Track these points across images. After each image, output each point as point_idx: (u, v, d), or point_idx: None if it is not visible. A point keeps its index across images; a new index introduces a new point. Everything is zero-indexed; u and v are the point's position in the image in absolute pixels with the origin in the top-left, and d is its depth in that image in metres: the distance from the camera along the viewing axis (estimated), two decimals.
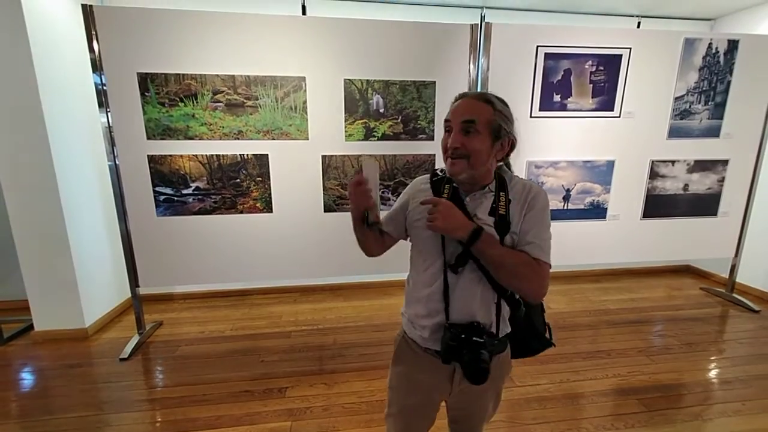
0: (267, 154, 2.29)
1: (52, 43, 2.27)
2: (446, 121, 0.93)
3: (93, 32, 2.02)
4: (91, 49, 2.05)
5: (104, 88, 2.09)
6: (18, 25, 2.08)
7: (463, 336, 0.89)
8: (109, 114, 2.12)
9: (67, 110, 2.38)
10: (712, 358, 2.29)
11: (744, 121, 2.73)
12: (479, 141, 0.88)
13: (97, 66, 2.07)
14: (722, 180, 2.81)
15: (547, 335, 1.04)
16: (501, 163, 0.98)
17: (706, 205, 2.84)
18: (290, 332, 2.60)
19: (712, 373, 2.14)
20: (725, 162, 2.78)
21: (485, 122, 0.88)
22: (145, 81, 2.11)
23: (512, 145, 0.94)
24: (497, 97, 0.92)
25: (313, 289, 3.30)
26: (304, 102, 2.26)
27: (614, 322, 2.73)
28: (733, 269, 3.04)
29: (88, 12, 2.00)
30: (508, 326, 0.99)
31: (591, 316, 2.84)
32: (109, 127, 2.14)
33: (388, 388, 1.09)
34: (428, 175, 1.03)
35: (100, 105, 2.11)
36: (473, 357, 0.87)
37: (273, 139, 2.28)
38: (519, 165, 2.53)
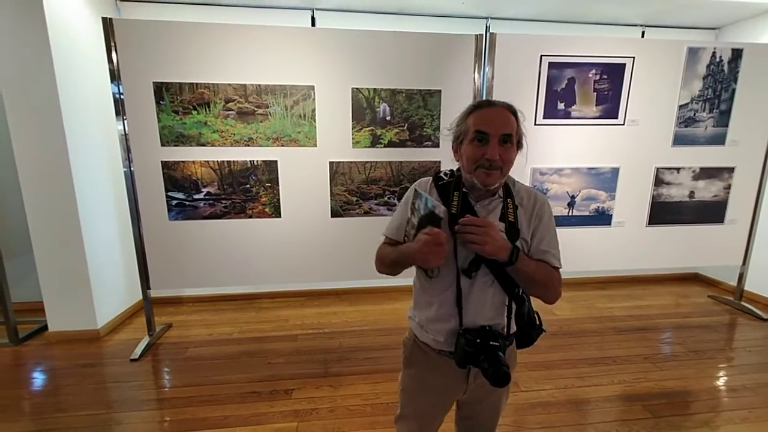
0: (276, 161, 2.35)
1: (73, 54, 2.37)
2: (480, 131, 0.89)
3: (112, 44, 2.11)
4: (109, 60, 2.13)
5: (121, 97, 2.18)
6: (41, 38, 2.19)
7: (478, 341, 0.89)
8: (125, 122, 2.20)
9: (84, 118, 2.47)
10: (720, 365, 2.27)
11: (750, 129, 2.74)
12: (512, 152, 0.92)
13: (115, 76, 2.15)
14: (728, 187, 2.81)
15: (538, 323, 1.06)
16: None
17: (712, 212, 2.84)
18: (296, 335, 2.64)
19: (719, 381, 2.13)
20: (731, 169, 2.78)
21: (515, 134, 0.92)
22: (161, 90, 2.19)
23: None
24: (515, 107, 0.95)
25: (319, 293, 3.33)
26: (313, 110, 2.32)
27: (620, 329, 2.72)
28: (741, 277, 3.02)
29: (107, 24, 2.09)
30: (514, 323, 1.01)
31: (597, 322, 2.84)
32: (125, 134, 2.21)
33: (400, 391, 1.09)
34: (430, 178, 1.03)
35: (117, 113, 2.19)
36: (493, 363, 0.86)
37: (282, 146, 2.34)
38: (524, 172, 2.56)
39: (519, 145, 0.95)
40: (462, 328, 0.93)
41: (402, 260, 0.96)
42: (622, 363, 2.29)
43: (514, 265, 0.89)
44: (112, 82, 2.16)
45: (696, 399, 1.97)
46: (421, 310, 1.02)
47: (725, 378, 2.15)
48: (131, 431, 1.75)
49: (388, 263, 1.01)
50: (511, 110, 0.93)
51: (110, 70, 2.15)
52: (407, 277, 1.12)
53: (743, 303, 3.02)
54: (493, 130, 0.88)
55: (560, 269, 0.97)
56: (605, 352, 2.41)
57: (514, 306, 0.98)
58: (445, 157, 2.47)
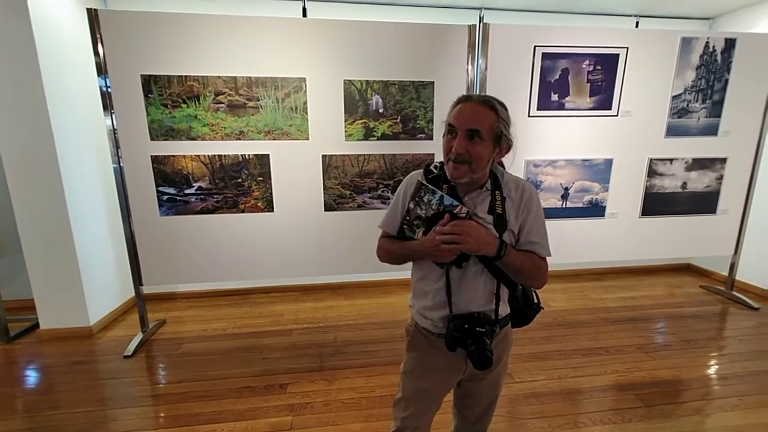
0: (268, 154, 2.33)
1: (58, 47, 2.32)
2: (450, 125, 0.92)
3: (98, 36, 2.07)
4: (96, 53, 2.09)
5: (109, 90, 2.13)
6: (25, 30, 2.13)
7: (466, 326, 0.94)
8: (113, 116, 2.16)
9: (72, 113, 2.42)
10: (711, 354, 2.30)
11: (742, 119, 2.75)
12: (482, 147, 0.90)
13: (101, 69, 2.11)
14: (721, 178, 2.82)
15: (536, 301, 1.09)
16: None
17: (704, 203, 2.85)
18: (291, 330, 2.63)
19: (711, 370, 2.15)
20: (723, 160, 2.79)
21: (489, 129, 0.89)
22: (149, 83, 2.15)
23: (509, 148, 0.96)
24: (499, 102, 0.93)
25: (314, 288, 3.33)
26: (305, 102, 2.29)
27: (614, 320, 2.74)
28: (733, 267, 3.05)
29: (93, 16, 2.04)
30: (508, 307, 1.04)
31: (590, 313, 2.86)
32: (114, 129, 2.17)
33: (402, 374, 1.12)
34: (422, 171, 1.04)
35: (105, 107, 2.15)
36: (478, 346, 0.91)
37: (274, 139, 2.31)
38: (517, 164, 2.55)
39: (498, 141, 0.92)
40: (452, 314, 0.97)
41: (412, 257, 1.02)
42: (615, 353, 2.31)
43: (502, 259, 0.92)
44: (98, 75, 2.12)
45: (687, 388, 1.99)
46: (418, 299, 1.06)
47: (716, 367, 2.18)
48: (126, 428, 1.74)
49: (395, 257, 1.06)
50: (489, 104, 0.90)
51: (96, 63, 2.10)
52: (402, 271, 1.14)
53: (735, 293, 3.06)
54: (459, 124, 0.90)
55: (547, 257, 0.99)
56: (599, 343, 2.43)
57: (505, 291, 1.01)
58: (438, 149, 2.45)
